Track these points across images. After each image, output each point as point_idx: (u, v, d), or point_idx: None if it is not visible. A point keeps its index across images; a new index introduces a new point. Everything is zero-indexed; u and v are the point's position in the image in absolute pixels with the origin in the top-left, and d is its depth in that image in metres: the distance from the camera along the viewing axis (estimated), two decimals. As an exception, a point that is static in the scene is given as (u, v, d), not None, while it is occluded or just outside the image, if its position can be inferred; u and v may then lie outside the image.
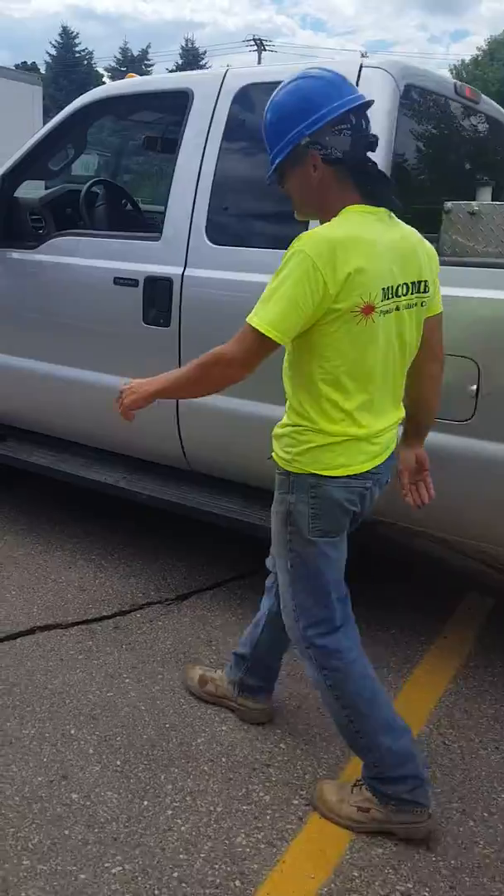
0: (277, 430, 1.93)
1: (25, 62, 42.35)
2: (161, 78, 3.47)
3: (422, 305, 1.89)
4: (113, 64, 45.58)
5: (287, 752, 2.28)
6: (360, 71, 2.54)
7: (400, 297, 1.82)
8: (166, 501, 3.08)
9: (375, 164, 1.83)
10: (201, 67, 36.44)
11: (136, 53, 46.73)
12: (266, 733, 2.35)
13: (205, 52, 46.11)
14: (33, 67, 39.73)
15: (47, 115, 11.79)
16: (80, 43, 45.93)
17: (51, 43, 45.82)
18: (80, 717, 2.37)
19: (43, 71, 40.50)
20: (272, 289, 1.72)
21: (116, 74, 40.17)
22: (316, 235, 1.73)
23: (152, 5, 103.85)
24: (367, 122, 1.81)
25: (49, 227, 3.48)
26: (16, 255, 3.35)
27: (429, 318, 1.94)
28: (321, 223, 1.83)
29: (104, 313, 3.11)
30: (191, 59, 44.16)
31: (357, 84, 2.52)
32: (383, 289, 1.76)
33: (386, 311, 1.78)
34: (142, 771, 2.17)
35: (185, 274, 2.85)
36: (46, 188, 3.90)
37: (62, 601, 3.06)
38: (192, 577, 3.26)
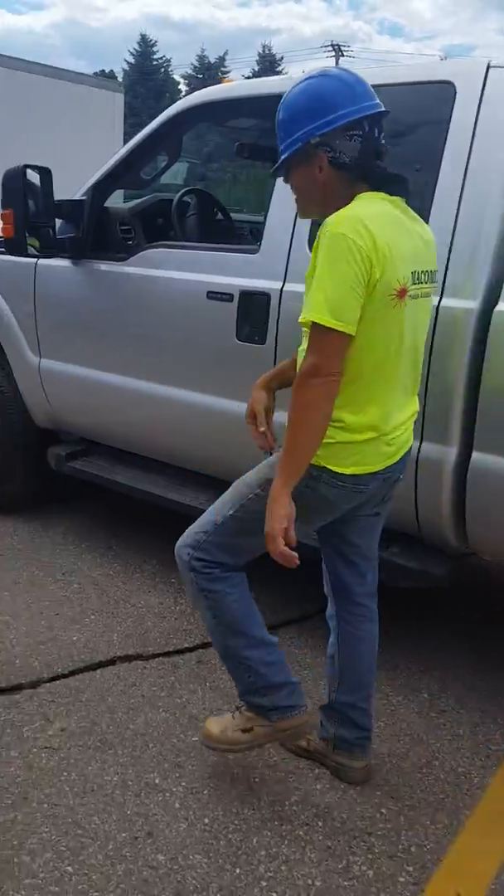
0: None
1: (103, 70, 43.14)
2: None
3: (432, 294, 1.90)
4: (189, 71, 45.96)
5: (390, 819, 2.07)
6: (486, 72, 2.32)
7: (423, 283, 1.79)
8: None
9: (385, 167, 1.79)
10: (278, 73, 36.37)
11: (212, 60, 47.07)
12: (365, 795, 2.15)
13: (281, 57, 46.16)
14: (111, 76, 40.40)
15: (125, 122, 11.94)
16: (157, 51, 46.57)
17: (129, 51, 46.54)
18: (164, 765, 2.22)
19: (120, 79, 41.15)
20: (319, 278, 1.64)
21: (193, 81, 40.53)
22: (342, 215, 1.66)
23: (229, 12, 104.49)
24: (381, 130, 1.78)
25: (139, 239, 3.36)
26: (105, 267, 3.23)
27: None
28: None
29: (195, 329, 2.96)
30: (267, 65, 44.19)
31: (484, 86, 2.32)
32: (413, 272, 1.73)
33: (413, 296, 1.75)
34: (232, 832, 2.00)
35: (284, 289, 2.68)
36: (125, 199, 3.78)
37: (142, 629, 2.93)
38: (279, 609, 3.08)
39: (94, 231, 3.26)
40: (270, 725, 2.05)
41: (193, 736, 2.33)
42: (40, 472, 3.72)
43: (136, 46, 46.13)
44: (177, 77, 46.06)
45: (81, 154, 7.96)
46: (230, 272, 2.84)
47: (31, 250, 3.26)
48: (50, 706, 2.44)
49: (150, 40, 46.44)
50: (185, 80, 44.76)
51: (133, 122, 19.95)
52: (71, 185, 3.32)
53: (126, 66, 44.38)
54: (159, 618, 3.01)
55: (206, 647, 2.82)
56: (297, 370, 1.77)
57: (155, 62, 46.28)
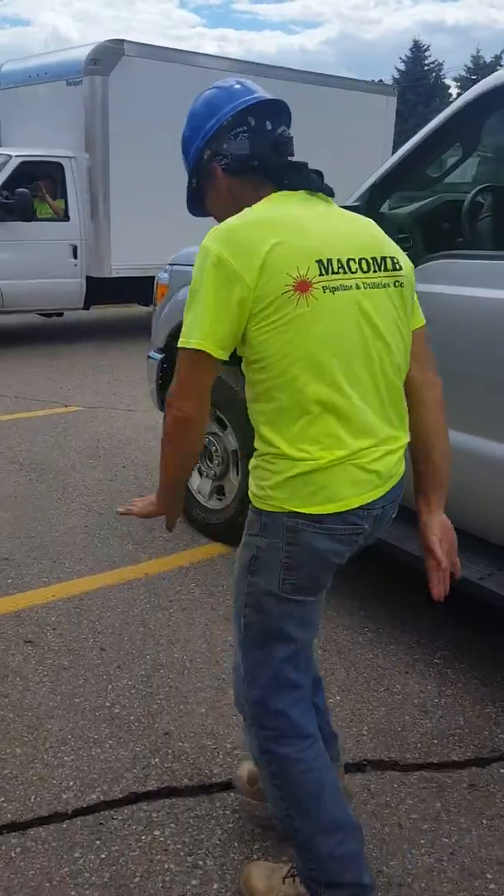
0: (252, 462, 1.60)
1: (373, 80, 43.14)
2: None
3: (396, 286, 1.58)
4: (462, 73, 44.50)
5: None
6: None
7: (353, 272, 1.51)
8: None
9: (290, 157, 1.63)
10: None
11: (488, 60, 45.10)
12: None
13: None
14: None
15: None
16: (429, 55, 45.62)
17: (400, 58, 46.18)
18: None
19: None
20: (188, 304, 1.50)
21: (465, 83, 39.02)
22: (218, 228, 1.52)
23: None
24: (277, 123, 1.64)
25: (417, 248, 2.84)
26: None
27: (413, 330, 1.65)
28: None
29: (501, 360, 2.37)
30: (547, 60, 41.37)
31: None
32: (318, 261, 1.48)
33: (334, 288, 1.48)
34: None
35: None
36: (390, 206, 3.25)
37: (398, 724, 2.39)
38: None
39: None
40: None
41: (466, 905, 1.76)
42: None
43: (408, 53, 45.62)
44: (448, 81, 44.81)
45: (354, 160, 7.66)
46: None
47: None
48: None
49: (423, 45, 45.72)
50: (457, 82, 43.38)
51: (401, 128, 19.56)
52: (343, 192, 2.88)
53: (396, 74, 44.01)
54: (420, 711, 2.46)
55: (481, 765, 2.23)
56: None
57: (427, 67, 45.44)
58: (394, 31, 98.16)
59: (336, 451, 1.48)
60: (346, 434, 1.49)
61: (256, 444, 1.57)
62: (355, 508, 1.52)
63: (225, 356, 1.49)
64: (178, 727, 2.35)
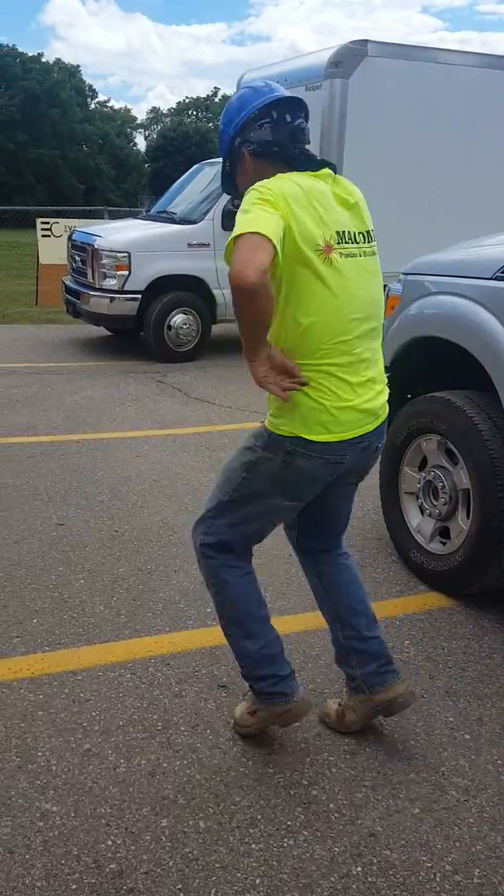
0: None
1: None
2: None
3: (375, 255, 2.03)
4: None
5: None
6: None
7: (359, 243, 1.95)
8: None
9: (305, 149, 1.99)
10: None
11: None
12: None
13: None
14: None
15: None
16: None
17: None
18: None
19: None
20: (248, 206, 1.78)
21: None
22: (258, 183, 1.85)
23: None
24: (294, 116, 2.00)
25: None
26: None
27: None
28: None
29: None
30: None
31: None
32: (337, 232, 1.89)
33: (348, 255, 1.91)
34: None
35: None
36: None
37: None
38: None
39: None
40: (265, 709, 2.17)
41: None
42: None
43: None
44: None
45: None
46: None
47: None
48: None
49: None
50: None
51: None
52: None
53: None
54: None
55: None
56: None
57: None
58: None
59: (339, 393, 1.94)
60: (350, 380, 1.95)
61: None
62: (348, 440, 1.97)
63: (276, 243, 1.77)
64: (386, 828, 1.96)
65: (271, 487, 2.02)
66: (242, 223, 1.74)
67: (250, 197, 1.81)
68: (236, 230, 1.73)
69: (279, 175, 1.89)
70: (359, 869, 1.83)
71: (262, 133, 1.98)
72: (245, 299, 1.72)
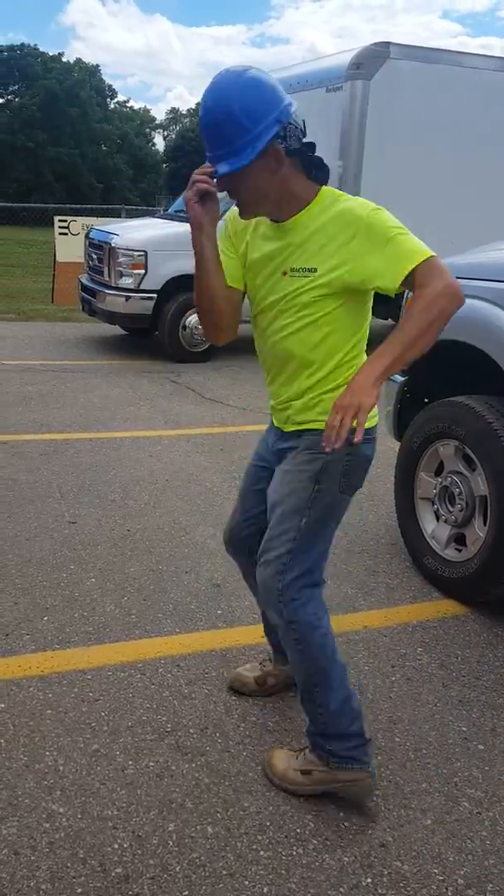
0: (305, 401, 1.97)
1: None
2: None
3: None
4: None
5: None
6: None
7: None
8: None
9: (314, 153, 1.84)
10: None
11: None
12: None
13: None
14: None
15: None
16: None
17: None
18: None
19: None
20: (401, 231, 1.74)
21: None
22: (361, 201, 1.82)
23: None
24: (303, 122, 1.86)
25: None
26: None
27: None
28: (272, 219, 1.87)
29: None
30: None
31: None
32: None
33: None
34: None
35: None
36: None
37: None
38: None
39: None
40: (330, 773, 1.99)
41: None
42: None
43: None
44: None
45: None
46: None
47: None
48: None
49: None
50: None
51: None
52: None
53: None
54: None
55: None
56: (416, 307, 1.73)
57: None
58: None
59: None
60: None
61: (321, 381, 1.93)
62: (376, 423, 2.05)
63: None
64: (397, 839, 1.92)
65: (344, 483, 1.95)
66: (419, 242, 1.74)
67: (390, 216, 1.77)
68: (425, 249, 1.73)
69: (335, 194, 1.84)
70: (368, 880, 1.80)
71: (294, 132, 1.78)
72: (449, 318, 1.76)
